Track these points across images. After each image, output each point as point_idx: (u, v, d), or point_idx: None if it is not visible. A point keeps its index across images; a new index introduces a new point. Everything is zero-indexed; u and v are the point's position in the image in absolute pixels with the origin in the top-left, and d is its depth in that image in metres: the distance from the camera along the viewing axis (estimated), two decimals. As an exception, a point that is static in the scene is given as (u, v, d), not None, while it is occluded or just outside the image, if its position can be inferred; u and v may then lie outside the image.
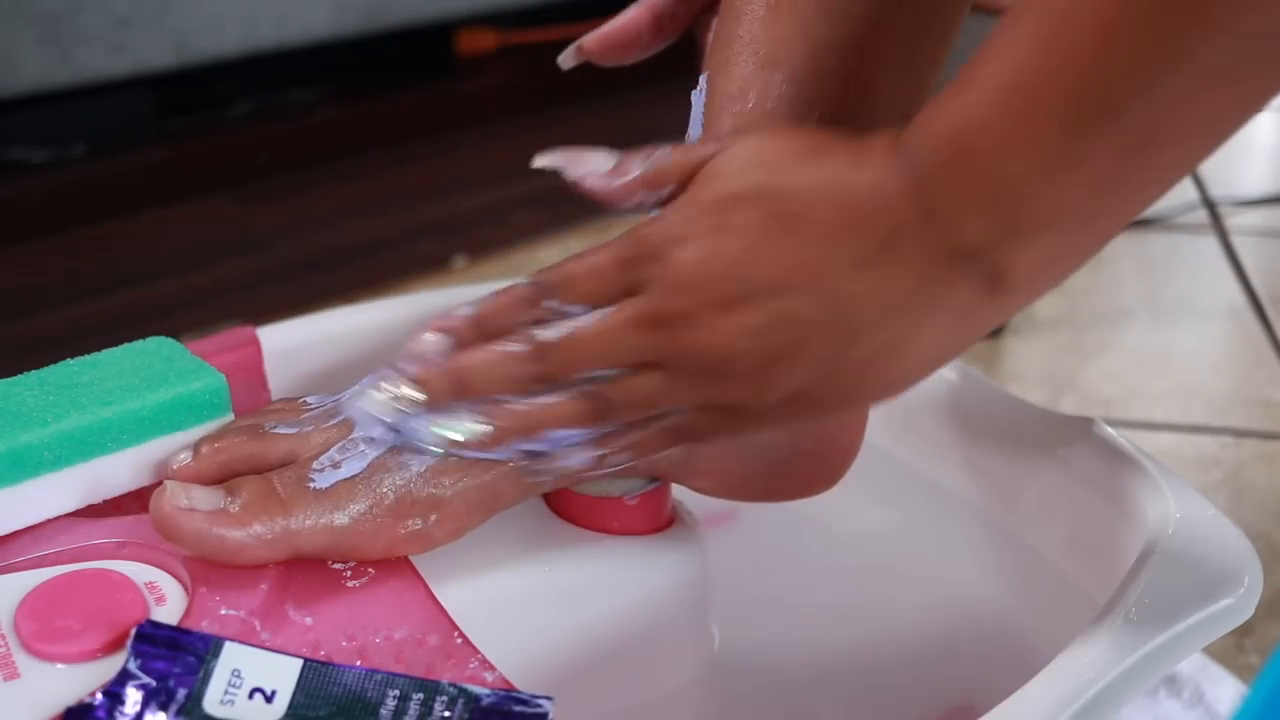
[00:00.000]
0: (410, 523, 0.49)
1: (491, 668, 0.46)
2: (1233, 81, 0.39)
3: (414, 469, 0.49)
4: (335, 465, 0.48)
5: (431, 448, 0.48)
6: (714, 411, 0.47)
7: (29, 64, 1.29)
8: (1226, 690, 0.68)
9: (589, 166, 0.50)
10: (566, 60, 0.59)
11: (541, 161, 0.51)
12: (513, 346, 0.48)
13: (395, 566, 0.50)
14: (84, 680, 0.44)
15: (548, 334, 0.47)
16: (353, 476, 0.48)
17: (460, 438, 0.48)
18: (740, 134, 0.49)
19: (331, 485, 0.48)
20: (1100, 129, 0.39)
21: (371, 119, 1.52)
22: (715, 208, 0.45)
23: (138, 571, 0.49)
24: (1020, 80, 0.40)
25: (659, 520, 0.56)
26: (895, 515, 0.70)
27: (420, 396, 0.48)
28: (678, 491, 0.57)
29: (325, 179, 1.36)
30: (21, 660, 0.45)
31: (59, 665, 0.45)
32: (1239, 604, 0.50)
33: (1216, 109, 0.40)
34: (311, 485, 0.48)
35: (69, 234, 1.25)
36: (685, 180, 0.48)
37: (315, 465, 0.48)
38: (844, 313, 0.44)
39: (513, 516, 0.54)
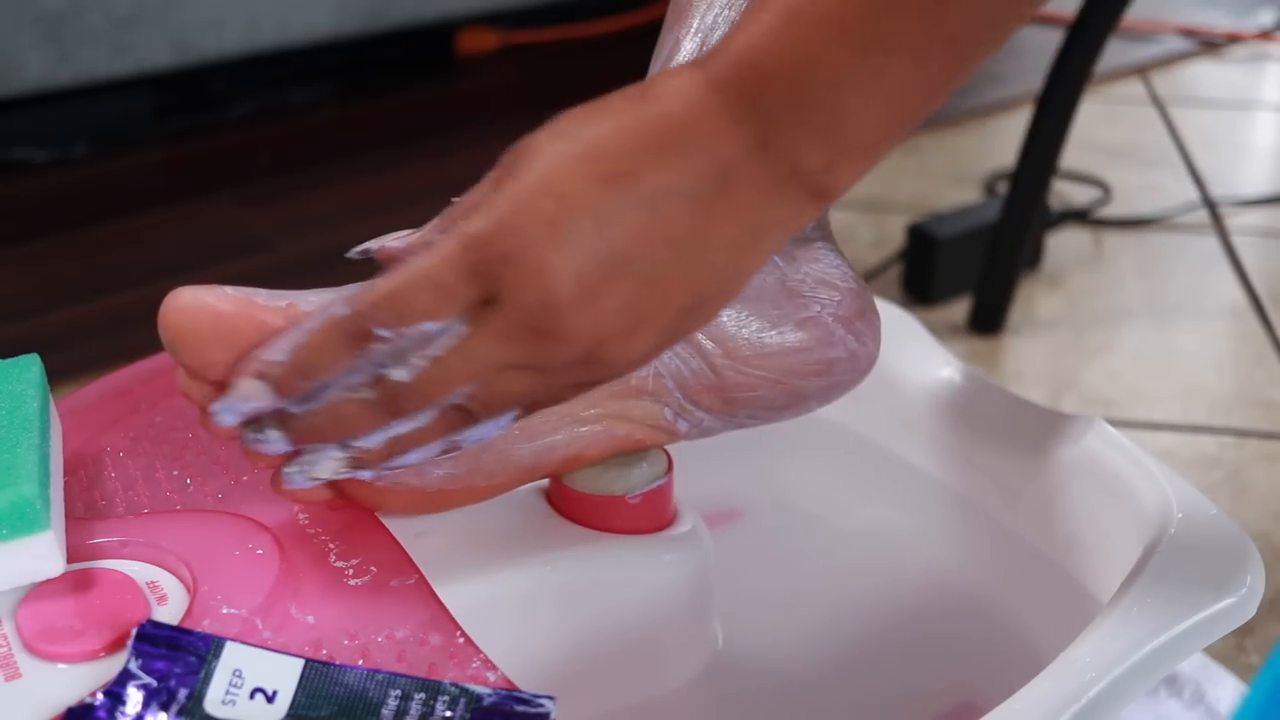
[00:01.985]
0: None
1: (493, 667, 0.46)
2: None
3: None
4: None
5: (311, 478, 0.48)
6: (569, 386, 0.46)
7: (30, 64, 1.29)
8: (1227, 690, 0.68)
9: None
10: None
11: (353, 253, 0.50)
12: (361, 394, 0.45)
13: (397, 565, 0.50)
14: (85, 680, 0.44)
15: (399, 374, 0.44)
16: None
17: (328, 476, 0.48)
18: None
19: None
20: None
21: (372, 119, 1.52)
22: (540, 188, 0.43)
23: (139, 571, 0.49)
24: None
25: (661, 519, 0.56)
26: (895, 515, 0.70)
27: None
28: (680, 491, 0.57)
29: (327, 178, 1.36)
30: (23, 660, 0.45)
31: (60, 665, 0.45)
32: (1240, 604, 0.50)
33: None
34: None
35: (69, 234, 1.24)
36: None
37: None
38: (695, 262, 0.44)
39: (515, 516, 0.54)
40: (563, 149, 0.43)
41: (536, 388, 0.45)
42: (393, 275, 0.44)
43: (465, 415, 0.45)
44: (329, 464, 0.47)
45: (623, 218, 0.43)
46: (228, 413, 0.47)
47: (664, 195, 0.43)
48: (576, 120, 0.45)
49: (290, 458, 0.49)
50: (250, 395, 0.46)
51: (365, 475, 0.48)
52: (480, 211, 0.44)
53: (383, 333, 0.44)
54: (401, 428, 0.46)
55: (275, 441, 0.49)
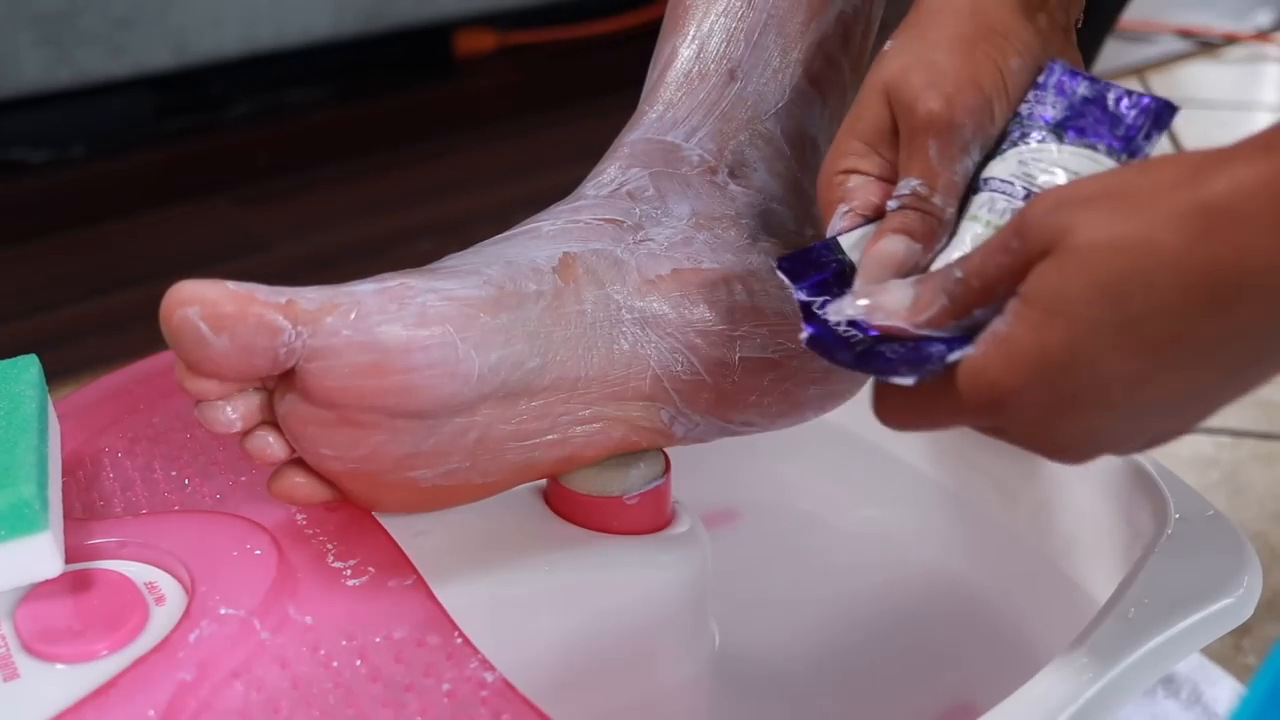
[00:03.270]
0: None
1: (491, 668, 0.46)
2: None
3: None
4: None
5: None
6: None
7: (29, 64, 1.29)
8: (1224, 690, 0.68)
9: (888, 310, 0.45)
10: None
11: (848, 314, 0.46)
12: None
13: (396, 566, 0.50)
14: (84, 680, 0.44)
15: None
16: None
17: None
18: (1040, 227, 0.41)
19: None
20: None
21: (371, 119, 1.52)
22: (1068, 360, 0.40)
23: (137, 571, 0.49)
24: None
25: (659, 520, 0.56)
26: (893, 516, 0.70)
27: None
28: (678, 491, 0.57)
29: (325, 179, 1.36)
30: (21, 660, 0.45)
31: (58, 666, 0.45)
32: (1238, 604, 0.50)
33: None
34: None
35: (69, 234, 1.25)
36: (988, 298, 0.43)
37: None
38: (1208, 404, 0.41)
39: (512, 516, 0.54)
40: (1104, 303, 0.38)
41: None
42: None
43: None
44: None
45: (1156, 383, 0.39)
46: None
47: (1217, 346, 0.38)
48: (1113, 251, 0.39)
49: (289, 459, 0.50)
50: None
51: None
52: (1002, 346, 0.41)
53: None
54: None
55: (275, 444, 0.49)
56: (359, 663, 0.46)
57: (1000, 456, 0.65)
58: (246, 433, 0.49)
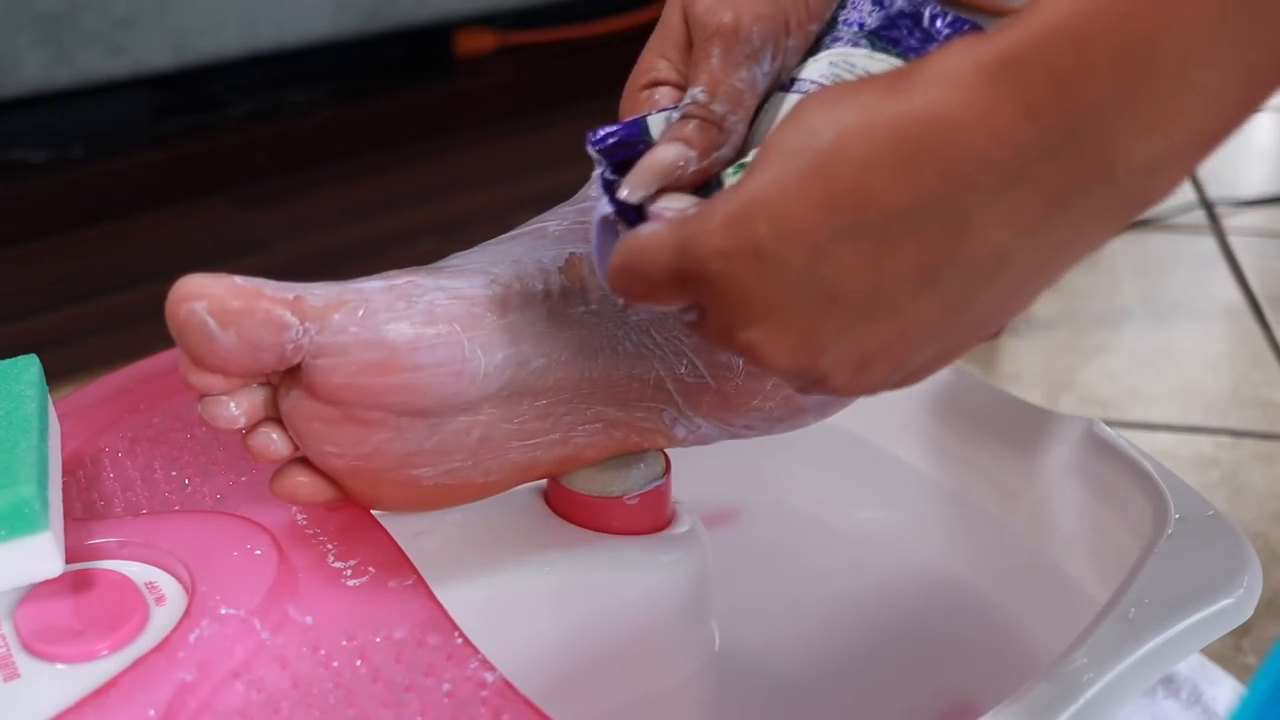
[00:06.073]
0: None
1: (491, 668, 0.46)
2: None
3: None
4: None
5: None
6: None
7: (29, 64, 1.29)
8: (1224, 690, 0.68)
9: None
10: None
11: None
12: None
13: (396, 566, 0.50)
14: (84, 680, 0.44)
15: None
16: None
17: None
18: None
19: None
20: None
21: (371, 119, 1.52)
22: (761, 205, 0.39)
23: (138, 571, 0.49)
24: None
25: (659, 520, 0.56)
26: (893, 516, 0.70)
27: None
28: (678, 491, 0.57)
29: (325, 179, 1.36)
30: (21, 660, 0.45)
31: (58, 665, 0.45)
32: (1238, 604, 0.50)
33: None
34: None
35: (69, 234, 1.25)
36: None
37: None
38: (941, 299, 0.38)
39: (513, 516, 0.54)
40: (797, 155, 0.38)
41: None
42: (620, 249, 0.43)
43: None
44: None
45: (845, 250, 0.37)
46: None
47: (906, 217, 0.37)
48: (822, 108, 0.38)
49: (291, 457, 0.50)
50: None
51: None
52: (708, 209, 0.40)
53: None
54: None
55: (278, 441, 0.49)
56: (359, 663, 0.46)
57: (1000, 456, 0.65)
58: (249, 430, 0.49)
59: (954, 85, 0.36)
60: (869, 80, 0.39)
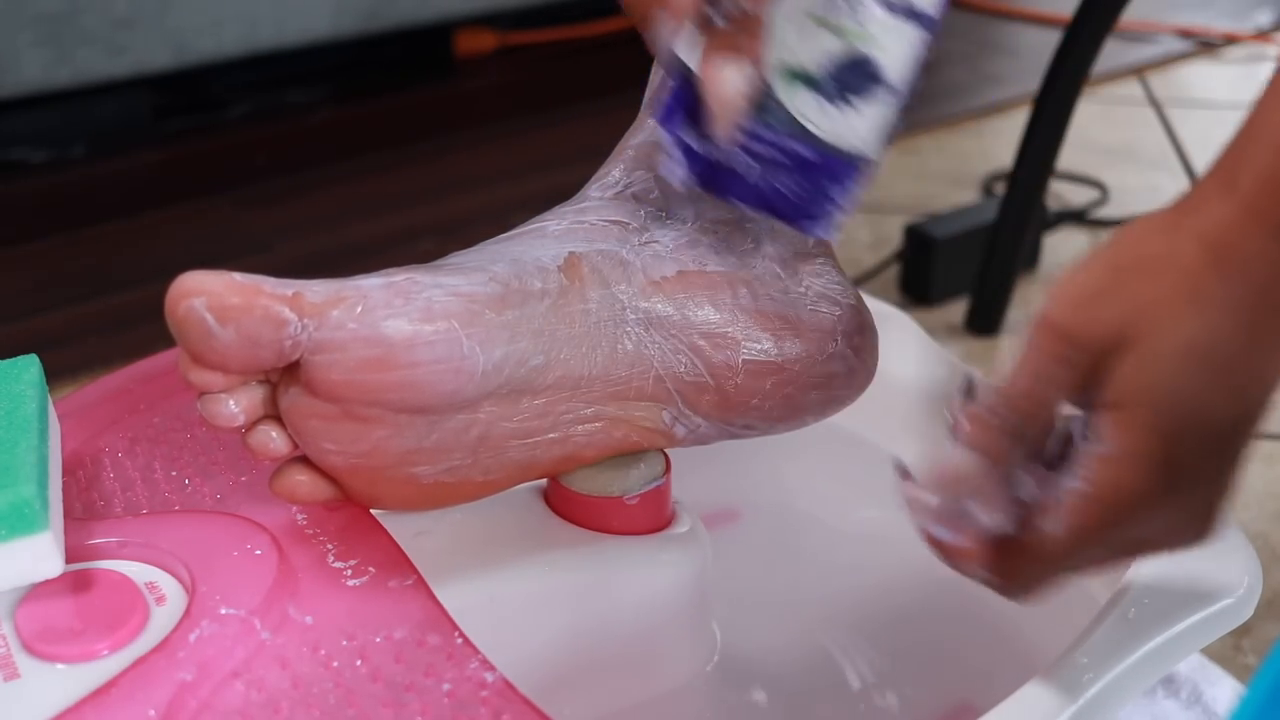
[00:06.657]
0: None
1: (491, 668, 0.46)
2: None
3: None
4: None
5: None
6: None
7: (29, 64, 1.29)
8: (1224, 690, 0.68)
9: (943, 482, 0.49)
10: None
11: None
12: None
13: (396, 566, 0.50)
14: (84, 680, 0.44)
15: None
16: None
17: None
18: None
19: None
20: None
21: (370, 119, 1.52)
22: (1156, 435, 0.42)
23: (138, 571, 0.49)
24: None
25: (659, 520, 0.56)
26: (893, 516, 0.70)
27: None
28: (678, 491, 0.57)
29: (325, 179, 1.36)
30: (21, 660, 0.45)
31: (59, 665, 0.45)
32: (1238, 605, 0.50)
33: None
34: None
35: (69, 234, 1.24)
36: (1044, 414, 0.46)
37: None
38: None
39: (513, 516, 0.54)
40: (1189, 380, 0.41)
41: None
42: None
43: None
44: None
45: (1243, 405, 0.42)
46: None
47: (1240, 419, 0.42)
48: (1175, 319, 0.42)
49: (292, 455, 0.50)
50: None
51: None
52: (1124, 456, 0.42)
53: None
54: None
55: (277, 439, 0.49)
56: (359, 663, 0.46)
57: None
58: (249, 427, 0.49)
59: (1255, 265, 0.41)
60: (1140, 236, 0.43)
